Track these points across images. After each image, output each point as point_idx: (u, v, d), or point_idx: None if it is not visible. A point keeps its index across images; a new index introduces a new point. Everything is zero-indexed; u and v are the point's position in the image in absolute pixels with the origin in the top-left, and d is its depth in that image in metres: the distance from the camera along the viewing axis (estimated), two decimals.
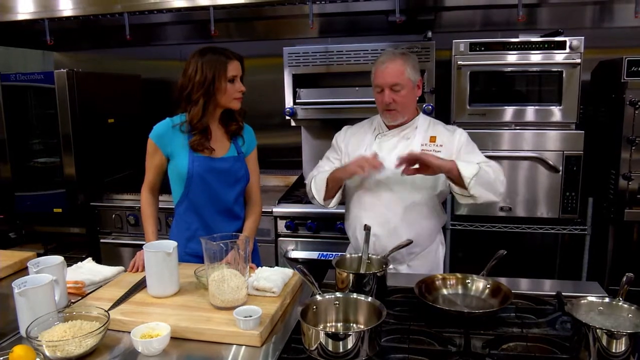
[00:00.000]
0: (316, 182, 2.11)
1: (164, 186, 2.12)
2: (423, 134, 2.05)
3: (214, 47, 1.96)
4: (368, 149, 2.09)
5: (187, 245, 2.03)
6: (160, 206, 2.16)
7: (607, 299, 1.35)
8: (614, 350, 1.18)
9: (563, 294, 1.51)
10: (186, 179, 1.99)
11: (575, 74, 2.67)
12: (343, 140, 2.19)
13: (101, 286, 1.77)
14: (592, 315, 1.33)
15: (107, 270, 1.88)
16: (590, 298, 1.36)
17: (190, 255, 2.03)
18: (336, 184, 2.07)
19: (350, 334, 1.22)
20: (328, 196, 2.10)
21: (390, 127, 2.09)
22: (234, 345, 1.39)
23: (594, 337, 1.20)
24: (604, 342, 1.19)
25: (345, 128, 2.24)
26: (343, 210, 2.25)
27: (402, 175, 1.89)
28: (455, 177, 1.86)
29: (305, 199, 3.04)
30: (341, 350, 1.21)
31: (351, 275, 1.60)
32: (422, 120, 2.10)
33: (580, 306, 1.34)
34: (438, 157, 1.87)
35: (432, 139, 2.03)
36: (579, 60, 2.65)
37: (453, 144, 2.02)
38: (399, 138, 2.07)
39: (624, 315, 1.31)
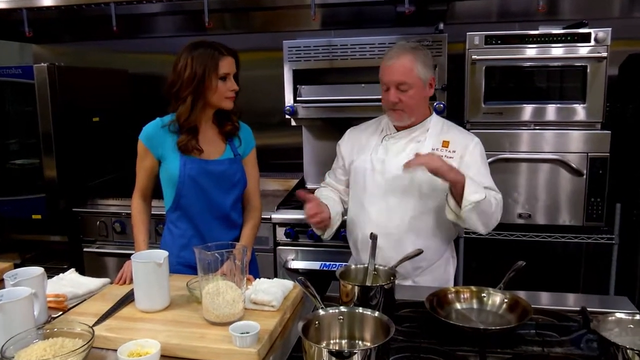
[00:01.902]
0: None
1: (155, 191, 2.13)
2: (435, 138, 2.05)
3: (206, 41, 1.97)
4: (374, 152, 2.09)
5: (179, 254, 2.04)
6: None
7: (638, 316, 1.35)
8: None
9: (588, 309, 1.51)
10: (178, 183, 2.00)
11: (601, 68, 2.66)
12: (347, 144, 2.20)
13: (85, 300, 1.77)
14: (621, 333, 1.32)
15: (91, 283, 1.88)
16: (619, 314, 1.36)
17: (183, 265, 2.04)
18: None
19: (355, 352, 1.22)
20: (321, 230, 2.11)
21: (398, 129, 2.09)
22: None
23: (624, 358, 1.20)
24: None
25: (349, 131, 2.25)
26: (346, 217, 2.25)
27: (404, 171, 1.90)
28: (457, 193, 1.86)
29: None
30: None
31: (356, 287, 1.60)
32: (435, 121, 2.09)
33: (608, 323, 1.33)
34: (448, 164, 1.86)
35: (445, 144, 2.03)
36: (605, 54, 2.64)
37: (465, 154, 2.02)
38: (407, 140, 2.07)
39: None
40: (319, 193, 2.18)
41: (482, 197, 1.84)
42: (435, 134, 2.06)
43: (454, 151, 2.02)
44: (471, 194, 1.84)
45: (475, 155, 2.02)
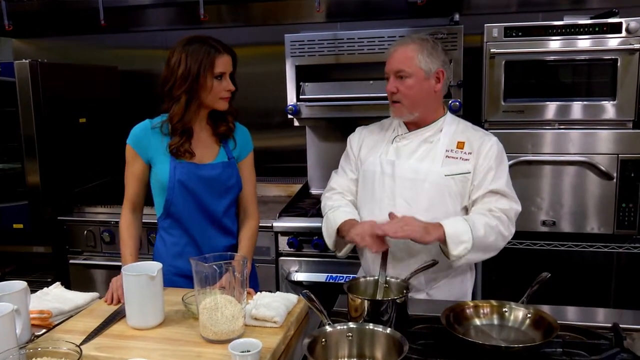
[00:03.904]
0: (328, 222, 2.12)
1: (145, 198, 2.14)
2: (449, 138, 2.05)
3: (203, 36, 1.99)
4: (384, 154, 2.10)
5: (173, 264, 2.05)
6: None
7: None
8: None
9: (621, 325, 1.50)
10: (167, 188, 2.02)
11: (633, 61, 2.66)
12: (357, 143, 2.21)
13: (71, 316, 1.78)
14: None
15: (78, 297, 1.89)
16: None
17: (178, 275, 2.05)
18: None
19: None
20: (339, 247, 2.13)
21: (410, 128, 2.10)
22: None
23: None
24: None
25: (359, 129, 2.26)
26: None
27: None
28: (444, 245, 1.91)
29: (311, 212, 3.05)
30: None
31: (366, 301, 1.60)
32: (450, 121, 2.10)
33: None
34: (422, 226, 1.86)
35: (460, 145, 2.04)
36: (638, 46, 2.63)
37: (480, 155, 2.02)
38: (420, 141, 2.08)
39: None
40: (328, 216, 2.17)
41: (469, 247, 1.87)
42: (450, 134, 2.06)
43: (469, 152, 2.03)
44: (456, 249, 1.88)
45: (490, 157, 2.02)
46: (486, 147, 2.03)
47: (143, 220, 2.19)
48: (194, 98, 1.96)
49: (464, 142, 2.05)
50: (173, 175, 2.00)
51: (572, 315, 1.80)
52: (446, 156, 2.03)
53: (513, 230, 2.00)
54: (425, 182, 2.01)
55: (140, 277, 1.64)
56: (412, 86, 1.99)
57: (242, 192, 2.16)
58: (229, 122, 2.10)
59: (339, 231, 2.07)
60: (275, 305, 1.67)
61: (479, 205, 2.00)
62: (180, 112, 1.96)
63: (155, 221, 2.14)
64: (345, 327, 1.43)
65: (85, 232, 3.25)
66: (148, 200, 2.14)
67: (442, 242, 1.89)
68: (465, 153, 2.03)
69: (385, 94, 2.10)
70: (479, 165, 2.01)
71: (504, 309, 1.64)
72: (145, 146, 2.03)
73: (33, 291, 1.77)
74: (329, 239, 2.14)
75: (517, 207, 2.03)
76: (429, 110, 2.07)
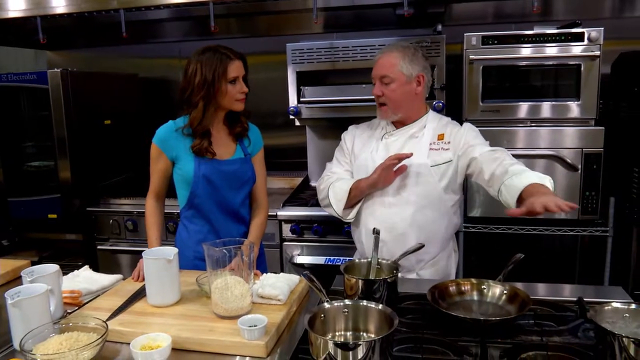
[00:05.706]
0: (335, 190, 2.09)
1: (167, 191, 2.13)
2: (432, 133, 2.05)
3: (215, 46, 1.97)
4: (374, 150, 2.09)
5: (197, 249, 2.03)
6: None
7: (633, 305, 1.34)
8: None
9: (585, 299, 1.49)
10: (192, 183, 2.00)
11: (594, 67, 2.65)
12: (350, 140, 2.19)
13: (99, 295, 1.77)
14: (617, 322, 1.31)
15: (104, 279, 1.88)
16: (615, 304, 1.35)
17: (201, 259, 2.03)
18: (360, 194, 2.05)
19: (360, 344, 1.22)
20: (348, 206, 2.09)
21: (397, 126, 2.09)
22: (238, 357, 1.39)
23: (620, 346, 1.19)
24: (632, 351, 1.17)
25: (352, 127, 2.25)
26: None
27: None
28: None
29: (311, 202, 3.04)
30: None
31: (360, 281, 1.59)
32: (432, 117, 2.09)
33: (604, 313, 1.32)
34: (548, 192, 1.76)
35: (440, 137, 2.04)
36: (598, 53, 2.62)
37: (460, 139, 2.02)
38: (406, 138, 2.07)
39: None
40: (337, 177, 2.14)
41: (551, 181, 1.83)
42: (432, 129, 2.06)
43: (448, 142, 2.03)
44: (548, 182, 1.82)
45: (470, 134, 2.02)
46: (461, 131, 2.04)
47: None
48: (210, 102, 1.94)
49: (443, 134, 2.05)
50: (198, 171, 1.99)
51: (542, 291, 1.80)
52: (430, 149, 2.02)
53: None
54: (413, 174, 2.00)
55: (158, 260, 1.63)
56: (395, 89, 1.98)
57: (254, 184, 2.14)
58: (243, 123, 2.08)
59: (351, 192, 2.04)
60: (279, 285, 1.66)
61: (489, 159, 1.94)
62: (199, 117, 1.94)
63: (172, 211, 2.13)
64: (341, 303, 1.42)
65: (111, 221, 3.24)
66: (169, 193, 2.13)
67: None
68: (445, 143, 2.03)
69: None
70: (460, 147, 1.99)
71: (482, 286, 1.64)
72: (170, 146, 2.01)
73: (65, 273, 1.77)
74: (338, 203, 2.07)
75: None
76: (412, 110, 2.06)
